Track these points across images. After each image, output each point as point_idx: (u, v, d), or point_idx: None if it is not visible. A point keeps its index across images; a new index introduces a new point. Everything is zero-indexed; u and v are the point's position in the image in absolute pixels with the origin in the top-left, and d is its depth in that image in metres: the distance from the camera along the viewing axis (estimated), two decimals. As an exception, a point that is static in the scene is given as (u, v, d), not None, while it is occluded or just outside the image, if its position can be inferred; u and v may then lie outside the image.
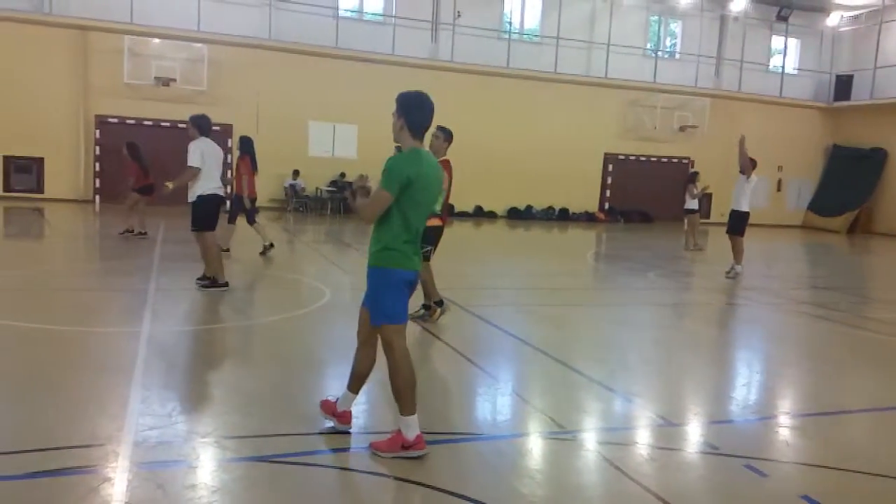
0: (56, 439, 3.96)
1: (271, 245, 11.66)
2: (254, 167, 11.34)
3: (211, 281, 8.40)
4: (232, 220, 11.63)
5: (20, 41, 18.47)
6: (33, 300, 7.82)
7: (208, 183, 8.19)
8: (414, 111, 3.93)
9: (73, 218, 16.71)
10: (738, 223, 12.12)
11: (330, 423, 4.31)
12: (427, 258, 7.20)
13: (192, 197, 8.21)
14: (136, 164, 13.08)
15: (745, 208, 12.02)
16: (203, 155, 8.08)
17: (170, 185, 8.15)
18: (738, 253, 12.11)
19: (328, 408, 4.34)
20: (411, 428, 3.96)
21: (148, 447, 3.93)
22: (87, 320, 6.95)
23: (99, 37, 19.10)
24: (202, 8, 19.75)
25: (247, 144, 11.47)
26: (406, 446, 3.96)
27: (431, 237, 7.22)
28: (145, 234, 12.82)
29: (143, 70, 19.28)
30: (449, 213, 7.58)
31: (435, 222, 7.18)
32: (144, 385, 4.94)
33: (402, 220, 3.88)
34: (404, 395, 3.98)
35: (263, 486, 3.62)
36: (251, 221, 11.61)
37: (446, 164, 7.13)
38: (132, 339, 6.13)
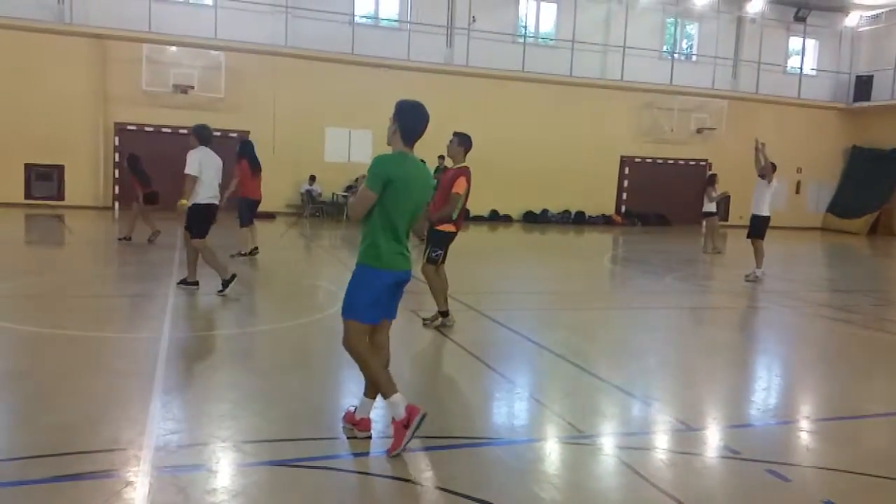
0: (78, 444, 4.00)
1: (256, 250, 11.77)
2: (253, 169, 11.50)
3: (184, 281, 8.69)
4: (243, 224, 11.76)
5: (40, 50, 18.73)
6: (55, 306, 7.91)
7: (204, 192, 8.40)
8: (408, 118, 4.10)
9: (93, 224, 16.89)
10: (758, 227, 12.06)
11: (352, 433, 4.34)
12: (434, 262, 7.23)
13: (188, 203, 8.45)
14: (135, 176, 13.27)
15: (765, 212, 11.99)
16: (200, 164, 8.30)
17: (184, 201, 8.35)
18: (759, 256, 12.03)
19: (348, 418, 4.38)
20: (398, 406, 4.03)
21: (169, 451, 3.96)
22: (108, 325, 7.02)
23: (118, 45, 19.32)
24: (219, 16, 19.92)
25: (244, 147, 11.71)
26: (406, 424, 3.98)
27: (443, 242, 7.21)
28: (159, 231, 12.97)
29: (161, 78, 19.46)
30: (465, 217, 7.57)
31: (448, 228, 7.18)
32: (165, 390, 4.99)
33: (384, 220, 4.01)
34: (378, 380, 4.10)
35: (283, 491, 3.63)
36: (244, 223, 11.76)
37: (464, 171, 7.13)
38: (153, 344, 6.19)
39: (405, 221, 4.10)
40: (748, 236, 12.25)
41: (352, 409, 4.40)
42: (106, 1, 19.24)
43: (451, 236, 7.27)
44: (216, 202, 8.60)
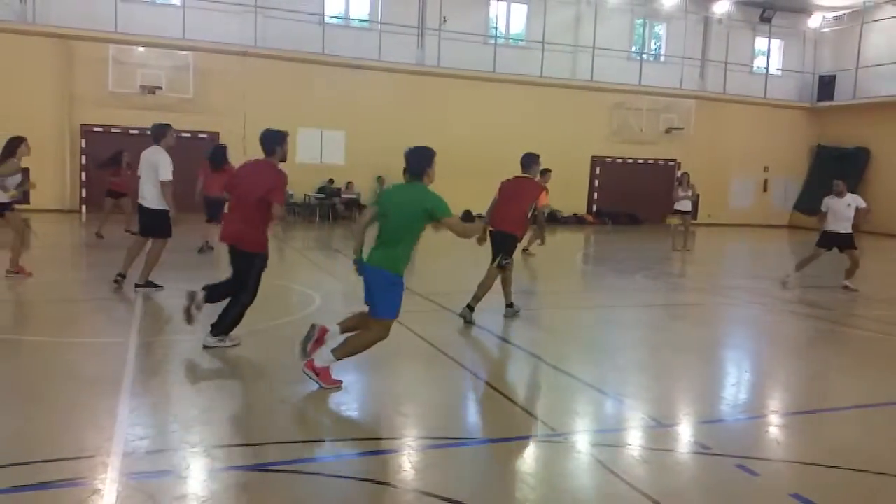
0: (44, 452, 3.91)
1: (206, 245, 12.45)
2: (213, 168, 12.12)
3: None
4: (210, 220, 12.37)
5: (3, 51, 18.32)
6: (21, 311, 7.75)
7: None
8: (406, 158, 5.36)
9: (60, 228, 16.58)
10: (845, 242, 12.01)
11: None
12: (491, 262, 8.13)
13: None
14: (109, 163, 14.24)
15: (846, 230, 11.89)
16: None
17: None
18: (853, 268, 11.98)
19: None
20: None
21: (137, 458, 3.89)
22: (76, 330, 6.89)
23: (83, 46, 18.97)
24: (187, 15, 19.68)
25: (211, 151, 12.63)
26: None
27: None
28: (101, 236, 13.70)
29: (128, 79, 19.14)
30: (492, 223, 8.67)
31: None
32: (133, 395, 4.90)
33: None
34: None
35: (254, 495, 3.59)
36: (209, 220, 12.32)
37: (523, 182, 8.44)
38: (121, 349, 6.08)
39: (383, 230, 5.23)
40: (841, 251, 12.06)
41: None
42: (70, 0, 18.92)
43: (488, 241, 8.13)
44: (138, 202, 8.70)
